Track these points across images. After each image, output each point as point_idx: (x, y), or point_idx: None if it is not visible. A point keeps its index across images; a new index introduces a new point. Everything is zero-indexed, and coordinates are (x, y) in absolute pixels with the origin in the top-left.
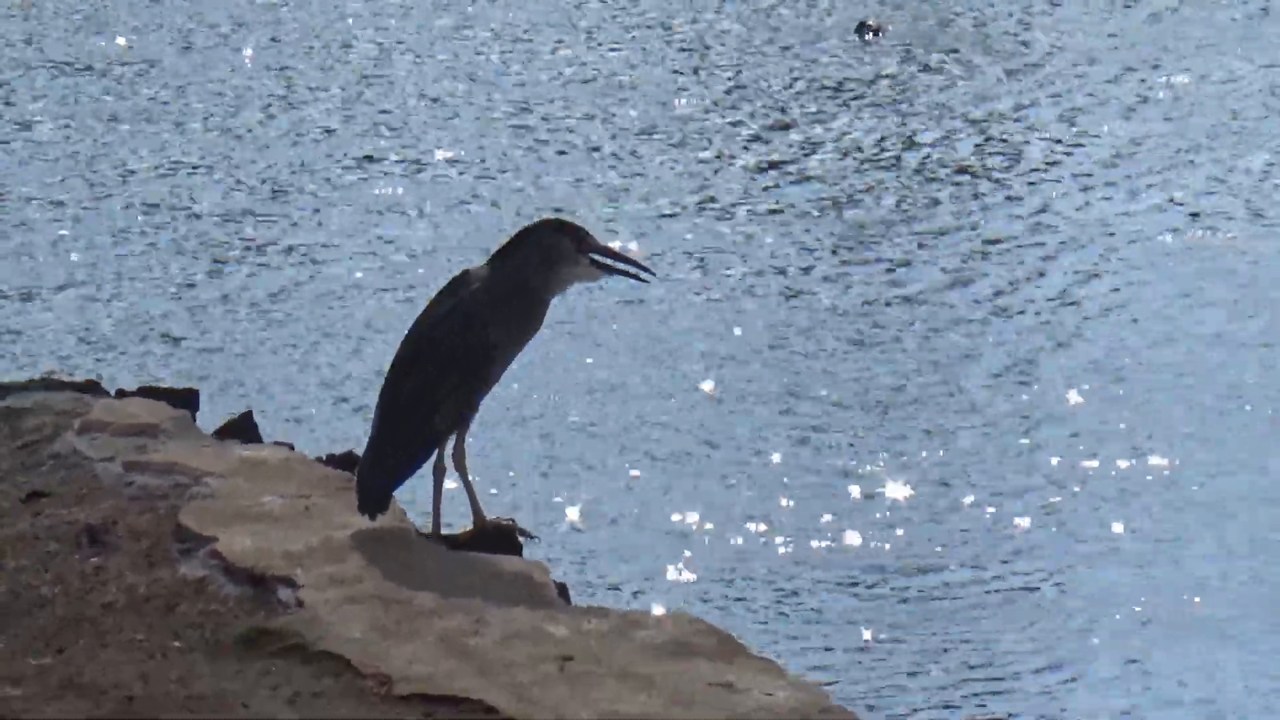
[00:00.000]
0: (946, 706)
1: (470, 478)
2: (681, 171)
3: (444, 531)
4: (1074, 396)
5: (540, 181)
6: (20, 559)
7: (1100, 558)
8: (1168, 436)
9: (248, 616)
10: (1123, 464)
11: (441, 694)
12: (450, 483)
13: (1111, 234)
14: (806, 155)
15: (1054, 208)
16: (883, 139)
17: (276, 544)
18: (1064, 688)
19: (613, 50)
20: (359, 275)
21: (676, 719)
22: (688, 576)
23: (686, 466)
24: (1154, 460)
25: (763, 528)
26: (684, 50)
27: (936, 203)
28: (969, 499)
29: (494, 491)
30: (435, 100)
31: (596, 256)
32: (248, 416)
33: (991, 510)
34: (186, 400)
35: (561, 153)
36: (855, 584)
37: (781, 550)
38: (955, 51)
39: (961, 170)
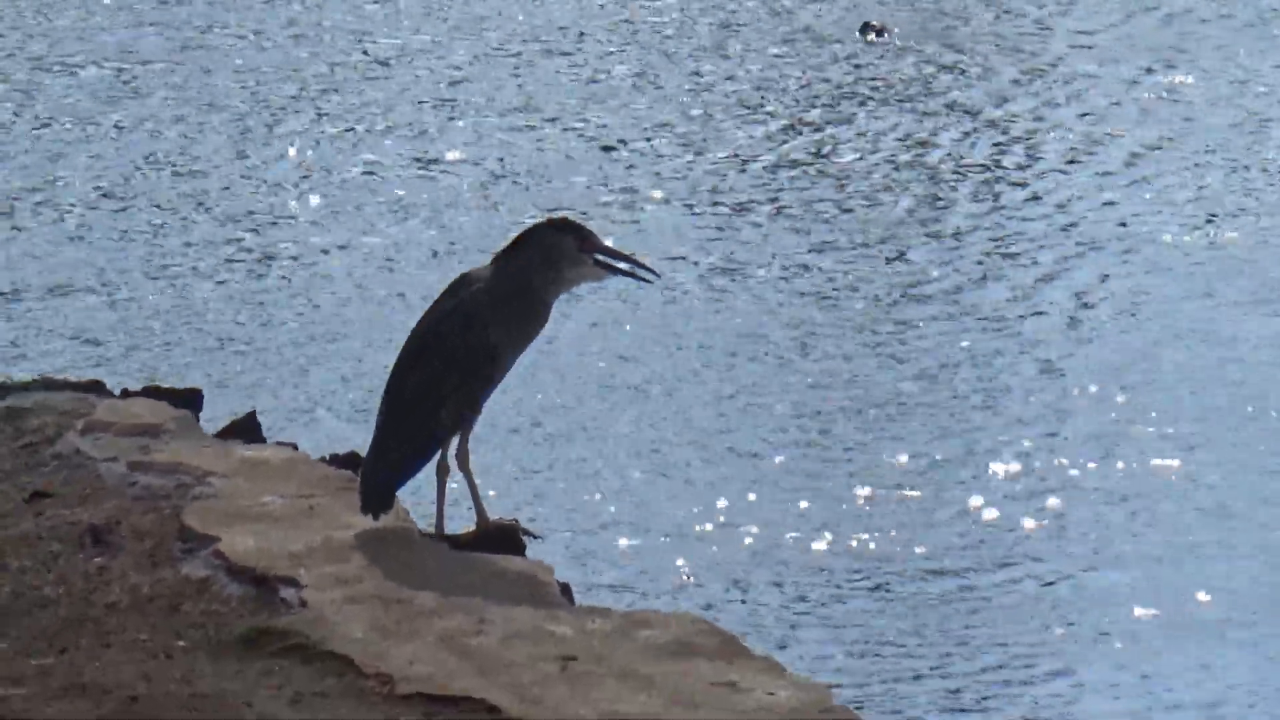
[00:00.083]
0: (950, 708)
1: (474, 478)
2: (698, 172)
3: (447, 531)
4: (1089, 397)
5: (554, 183)
6: (23, 559)
7: (1107, 560)
8: (1181, 438)
9: (250, 616)
10: (1133, 466)
11: (443, 694)
12: (453, 483)
13: (1130, 234)
14: (824, 156)
15: (1072, 208)
16: (900, 139)
17: (279, 544)
18: (1069, 690)
19: (625, 51)
20: (363, 276)
21: (678, 719)
22: (691, 577)
23: (691, 466)
24: (1164, 462)
25: (769, 528)
26: (698, 50)
27: (954, 203)
28: (977, 500)
29: (493, 493)
30: (447, 101)
31: (599, 256)
32: (251, 416)
33: (999, 512)
34: (189, 400)
35: (574, 154)
36: (860, 585)
37: (787, 551)
38: (962, 51)
39: (979, 170)
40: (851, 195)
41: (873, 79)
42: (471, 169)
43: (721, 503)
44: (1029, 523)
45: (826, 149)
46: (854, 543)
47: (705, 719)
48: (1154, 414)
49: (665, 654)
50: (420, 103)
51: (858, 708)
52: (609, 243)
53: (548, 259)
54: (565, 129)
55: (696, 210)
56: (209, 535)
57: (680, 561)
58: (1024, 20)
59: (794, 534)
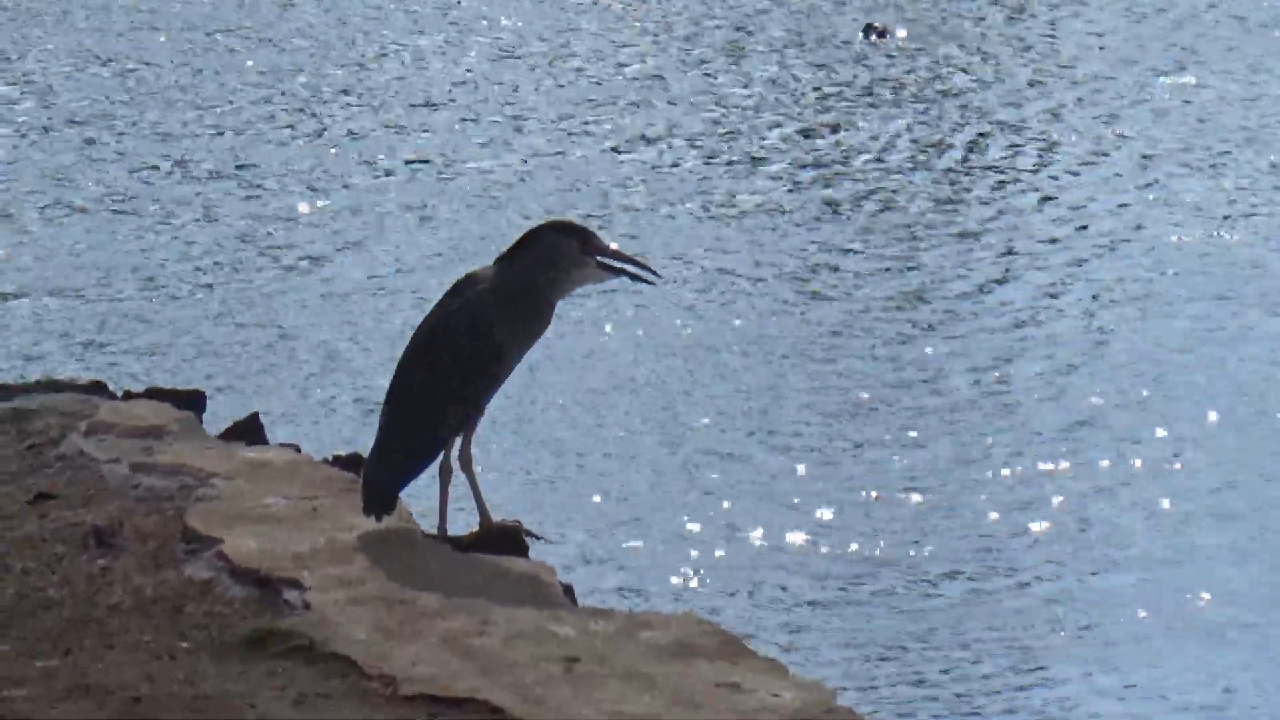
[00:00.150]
0: (954, 711)
1: (476, 480)
2: (712, 174)
3: (450, 533)
4: (1101, 400)
5: (562, 186)
6: (27, 561)
7: (1111, 563)
8: (1190, 440)
9: (254, 617)
10: (1142, 468)
11: (447, 695)
12: (456, 485)
13: (1143, 236)
14: (839, 158)
15: (1085, 210)
16: (914, 141)
17: (282, 545)
18: (1073, 693)
19: (637, 54)
20: (367, 278)
21: (681, 719)
22: (694, 578)
23: (696, 468)
24: (1172, 464)
25: (773, 530)
26: (711, 53)
27: (967, 205)
28: (983, 503)
29: (498, 494)
30: (456, 103)
31: (602, 258)
32: (254, 418)
33: (1006, 515)
34: (192, 402)
35: (585, 157)
36: (865, 588)
37: (792, 553)
38: (970, 53)
39: (992, 172)
40: (864, 197)
41: (882, 80)
42: (480, 172)
43: (726, 505)
44: (1035, 526)
45: (839, 151)
46: (860, 545)
47: (708, 719)
48: (1165, 417)
49: (668, 655)
50: (429, 105)
51: (862, 710)
52: (614, 245)
53: (551, 260)
54: (574, 132)
55: (707, 213)
56: (212, 537)
57: (684, 564)
58: (1035, 22)
59: (800, 536)
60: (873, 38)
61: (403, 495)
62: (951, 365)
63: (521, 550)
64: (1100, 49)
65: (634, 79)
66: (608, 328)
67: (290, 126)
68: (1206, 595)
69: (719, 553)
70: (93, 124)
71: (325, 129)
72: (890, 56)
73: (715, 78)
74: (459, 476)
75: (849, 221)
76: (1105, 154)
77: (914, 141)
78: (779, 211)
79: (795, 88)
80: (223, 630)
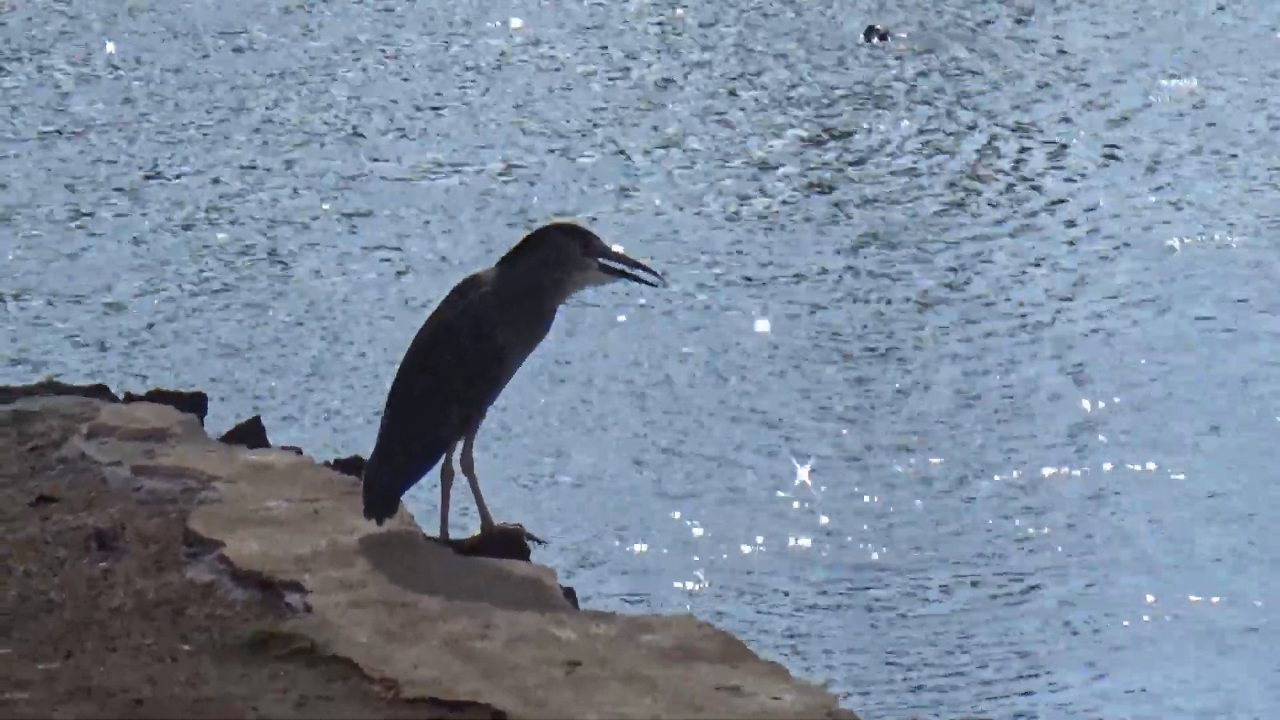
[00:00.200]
0: (955, 713)
1: (478, 483)
2: (722, 178)
3: (451, 536)
4: (1110, 404)
5: (567, 188)
6: (29, 563)
7: (1118, 567)
8: (1199, 445)
9: (255, 620)
10: (1150, 473)
11: (448, 698)
12: (457, 488)
13: (1153, 239)
14: (848, 161)
15: (1095, 213)
16: (924, 144)
17: (284, 548)
18: (1079, 698)
19: (647, 58)
20: (369, 280)
21: None
22: (695, 581)
23: (698, 471)
24: (1180, 470)
25: (776, 534)
26: (719, 57)
27: (978, 208)
28: (989, 506)
29: (499, 497)
30: (459, 104)
31: (604, 260)
32: (255, 421)
33: (1011, 518)
34: (194, 404)
35: (596, 159)
36: (869, 591)
37: (794, 556)
38: (968, 55)
39: (1003, 175)
40: (874, 201)
41: (887, 83)
42: (483, 174)
43: (728, 508)
44: (1039, 530)
45: (848, 154)
46: (863, 548)
47: None
48: (1176, 421)
49: (669, 658)
50: (432, 107)
51: (866, 714)
52: (617, 248)
53: (553, 263)
54: (579, 135)
55: (715, 216)
56: (214, 540)
57: (686, 568)
58: (1043, 24)
59: (803, 540)
60: (874, 40)
61: (404, 498)
62: (959, 368)
63: (523, 553)
64: (1109, 52)
65: (639, 84)
66: (611, 331)
67: (295, 129)
68: (1210, 600)
69: (721, 556)
70: (96, 126)
71: (330, 131)
72: (898, 58)
73: (723, 80)
74: (460, 479)
75: (856, 225)
76: (1114, 157)
77: (923, 144)
78: (786, 215)
79: (802, 91)
80: (224, 633)
